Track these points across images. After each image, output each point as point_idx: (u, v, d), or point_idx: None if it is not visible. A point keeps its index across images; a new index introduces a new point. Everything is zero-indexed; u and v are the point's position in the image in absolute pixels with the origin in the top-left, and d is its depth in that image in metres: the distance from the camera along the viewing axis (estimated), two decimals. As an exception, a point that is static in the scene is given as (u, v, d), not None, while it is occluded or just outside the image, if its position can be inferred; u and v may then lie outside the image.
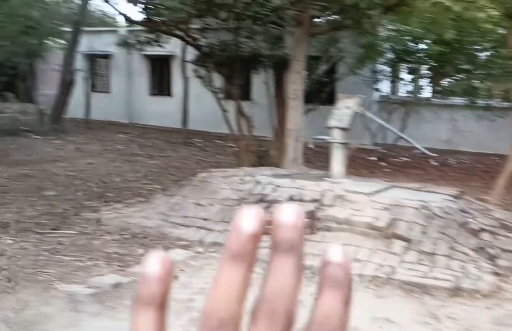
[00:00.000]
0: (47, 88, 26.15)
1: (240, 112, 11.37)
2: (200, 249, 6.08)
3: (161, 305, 0.31)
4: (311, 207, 6.47)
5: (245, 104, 11.91)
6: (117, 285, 4.86)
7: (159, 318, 0.31)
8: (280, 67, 11.96)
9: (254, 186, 7.30)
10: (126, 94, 22.83)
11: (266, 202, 6.58)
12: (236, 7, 8.87)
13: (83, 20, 20.07)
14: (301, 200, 6.61)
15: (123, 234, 6.57)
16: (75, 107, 21.74)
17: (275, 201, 6.54)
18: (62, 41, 21.40)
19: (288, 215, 0.31)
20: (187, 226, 6.68)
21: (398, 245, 5.95)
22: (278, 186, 7.04)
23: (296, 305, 0.31)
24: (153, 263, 0.31)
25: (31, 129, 17.07)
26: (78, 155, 13.17)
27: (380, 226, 6.14)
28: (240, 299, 0.31)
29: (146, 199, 8.36)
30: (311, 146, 10.16)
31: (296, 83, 9.34)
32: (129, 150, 14.70)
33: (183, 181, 9.36)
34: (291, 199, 6.62)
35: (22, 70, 22.11)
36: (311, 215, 6.36)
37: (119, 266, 5.48)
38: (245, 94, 15.57)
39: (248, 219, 0.31)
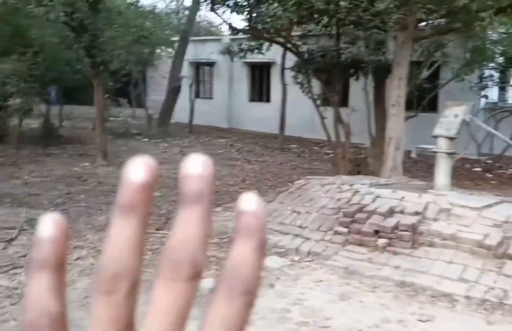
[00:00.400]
0: (156, 94, 27.58)
1: (337, 119, 11.07)
2: (296, 258, 5.92)
3: (57, 267, 0.29)
4: (413, 219, 6.05)
5: (343, 111, 11.57)
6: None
7: (55, 280, 0.29)
8: (381, 73, 11.48)
9: (352, 195, 7.00)
10: (227, 100, 23.32)
11: (366, 213, 6.25)
12: (338, 12, 8.61)
13: (191, 29, 20.86)
14: (402, 212, 6.21)
15: (221, 238, 6.59)
16: (180, 112, 22.66)
17: (375, 212, 6.21)
18: (171, 50, 22.43)
19: (194, 166, 0.31)
20: (284, 233, 6.55)
21: (511, 266, 5.36)
22: (378, 196, 6.68)
23: (203, 254, 0.30)
24: (47, 225, 0.29)
25: (140, 132, 18.02)
26: (181, 158, 13.25)
27: (490, 244, 5.58)
28: (134, 252, 0.30)
29: (244, 204, 8.37)
30: (413, 155, 9.59)
31: (397, 89, 8.87)
32: (228, 155, 14.95)
33: (279, 186, 9.28)
34: (391, 210, 6.24)
35: (134, 77, 23.44)
36: (412, 228, 5.94)
37: (217, 270, 5.48)
38: (343, 101, 15.20)
39: (138, 168, 0.30)
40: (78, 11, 10.43)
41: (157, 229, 6.74)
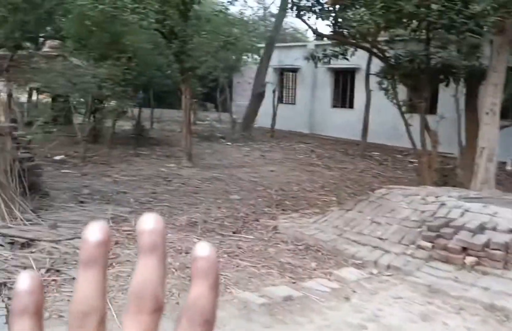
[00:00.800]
0: (241, 99, 27.98)
1: (424, 126, 10.45)
2: (374, 271, 5.58)
3: (35, 313, 0.34)
4: (506, 238, 5.48)
5: (430, 118, 10.92)
6: (288, 298, 4.67)
7: (35, 325, 0.34)
8: (474, 79, 10.69)
9: (438, 207, 6.51)
10: (309, 106, 23.09)
11: (453, 228, 5.77)
12: (429, 16, 8.10)
13: (277, 36, 20.88)
14: (494, 229, 5.65)
15: (297, 245, 6.41)
16: (263, 117, 22.75)
17: (463, 227, 5.71)
18: (257, 57, 22.63)
19: (148, 223, 0.36)
20: (362, 244, 6.23)
21: None
22: (467, 211, 6.14)
23: (162, 293, 0.35)
24: (24, 278, 0.34)
25: (224, 136, 18.31)
26: (262, 162, 13.60)
27: None
28: (97, 294, 0.35)
29: (322, 211, 8.12)
30: (509, 168, 8.80)
31: (492, 96, 8.17)
32: (308, 160, 14.72)
33: (359, 194, 8.91)
34: (482, 226, 5.70)
35: (221, 83, 23.93)
36: (505, 247, 5.38)
37: (291, 277, 5.30)
38: (431, 108, 14.39)
39: (94, 230, 0.35)
40: (169, 18, 10.76)
41: (234, 232, 6.69)
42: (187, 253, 5.57)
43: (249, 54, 22.84)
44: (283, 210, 8.23)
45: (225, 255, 5.66)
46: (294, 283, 5.10)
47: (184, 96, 11.64)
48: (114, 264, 4.86)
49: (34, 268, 4.24)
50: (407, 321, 4.51)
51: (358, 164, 14.55)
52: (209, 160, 13.22)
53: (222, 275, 5.07)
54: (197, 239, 6.20)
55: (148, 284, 0.35)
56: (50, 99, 14.94)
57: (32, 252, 4.71)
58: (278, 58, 20.89)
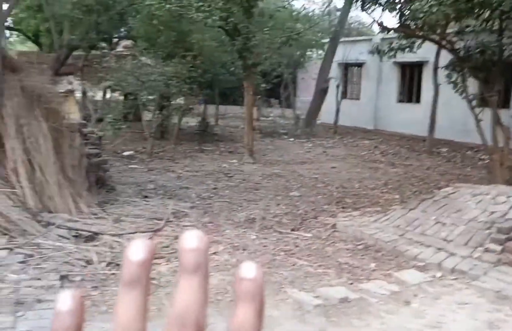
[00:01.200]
0: (305, 95, 27.70)
1: (496, 121, 9.76)
2: (438, 274, 5.25)
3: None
4: None
5: (502, 113, 10.19)
6: (344, 300, 4.48)
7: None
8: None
9: (509, 208, 6.04)
10: (374, 101, 22.44)
11: (524, 231, 5.31)
12: (502, 4, 7.52)
13: (341, 31, 20.44)
14: None
15: (356, 244, 6.18)
16: (326, 113, 22.38)
17: (536, 232, 5.24)
18: (321, 52, 22.29)
19: (191, 241, 0.34)
20: (425, 246, 5.89)
21: None
22: (542, 213, 5.64)
23: (204, 317, 0.34)
24: (65, 298, 0.33)
25: (286, 132, 18.18)
26: (324, 159, 13.34)
27: None
28: (140, 317, 0.34)
29: (383, 209, 7.80)
30: None
31: None
32: (371, 157, 14.27)
33: (424, 193, 8.48)
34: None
35: (285, 78, 23.80)
36: None
37: (349, 278, 5.10)
38: (504, 102, 13.47)
39: (137, 249, 0.34)
40: (233, 15, 10.78)
41: (292, 229, 6.57)
42: (244, 250, 5.52)
43: (313, 50, 22.54)
44: (343, 207, 7.99)
45: (282, 253, 5.55)
46: (351, 284, 4.91)
47: (247, 92, 11.64)
48: (172, 259, 4.90)
49: (96, 261, 4.35)
50: (472, 329, 4.19)
51: (424, 161, 13.91)
52: (271, 156, 13.16)
53: (277, 273, 4.98)
54: (255, 235, 6.15)
55: (190, 308, 0.34)
56: (122, 97, 15.50)
57: (95, 245, 4.85)
58: (343, 53, 20.42)
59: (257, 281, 0.34)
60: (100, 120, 12.00)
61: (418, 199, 7.64)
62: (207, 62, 13.64)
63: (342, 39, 20.95)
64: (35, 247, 4.36)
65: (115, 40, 21.52)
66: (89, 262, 4.29)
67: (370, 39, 21.47)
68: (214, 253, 5.28)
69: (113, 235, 5.20)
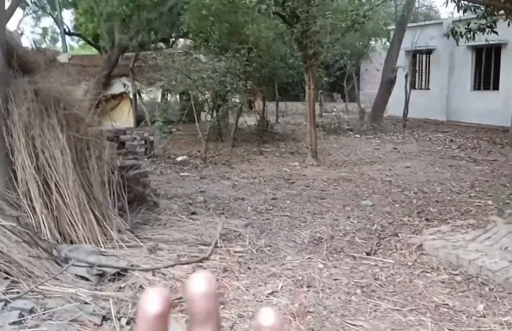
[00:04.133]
0: (370, 87, 25.78)
1: None
2: None
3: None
4: None
5: None
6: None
7: None
8: None
9: None
10: (446, 90, 20.30)
11: None
12: None
13: (409, 16, 18.50)
14: None
15: (453, 274, 4.68)
16: (394, 105, 20.51)
17: None
18: (385, 41, 20.44)
19: (199, 286, 0.32)
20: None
21: None
22: None
23: None
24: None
25: (351, 128, 16.58)
26: (395, 157, 11.69)
27: None
28: None
29: (478, 222, 6.19)
30: None
31: None
32: (448, 153, 12.43)
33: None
34: None
35: (348, 70, 22.13)
36: None
37: (452, 329, 3.66)
38: None
39: (152, 300, 0.32)
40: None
41: (368, 253, 5.16)
42: (309, 286, 4.21)
43: (378, 38, 20.71)
44: (427, 219, 6.45)
45: (358, 291, 4.18)
46: (458, 342, 3.47)
47: (308, 86, 10.25)
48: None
49: (114, 314, 3.21)
50: None
51: (510, 155, 11.93)
52: (335, 156, 11.70)
53: (353, 325, 3.63)
54: (322, 263, 4.82)
55: None
56: (177, 98, 14.65)
57: (120, 288, 3.74)
58: (411, 39, 18.48)
59: (275, 329, 0.32)
60: (153, 123, 11.09)
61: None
62: (265, 55, 12.36)
63: (409, 25, 18.97)
64: (40, 296, 3.31)
65: (172, 39, 20.83)
66: (105, 317, 3.16)
67: (441, 23, 19.37)
68: (271, 295, 4.00)
69: (146, 270, 4.08)
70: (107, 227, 4.40)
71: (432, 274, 4.66)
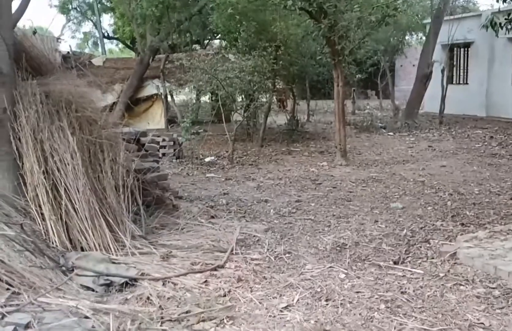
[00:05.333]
0: (405, 83, 24.88)
1: None
2: None
3: None
4: None
5: None
6: None
7: None
8: None
9: None
10: (485, 85, 19.32)
11: None
12: None
13: (445, 8, 17.65)
14: None
15: (490, 287, 4.20)
16: (430, 101, 19.70)
17: None
18: (421, 35, 19.65)
19: None
20: None
21: None
22: None
23: None
24: None
25: (384, 125, 15.95)
26: (430, 156, 11.08)
27: None
28: None
29: (520, 226, 5.64)
30: None
31: None
32: (488, 150, 11.69)
33: None
34: None
35: (382, 66, 21.41)
36: None
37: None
38: None
39: None
40: (317, -7, 8.96)
41: (395, 262, 4.74)
42: (327, 300, 3.86)
43: (413, 33, 19.93)
44: (462, 224, 5.94)
45: (382, 306, 3.79)
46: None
47: (337, 83, 9.81)
48: (225, 320, 3.40)
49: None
50: None
51: None
52: (366, 155, 11.19)
53: (376, 346, 3.25)
54: (344, 273, 4.45)
55: None
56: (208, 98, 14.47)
57: (126, 300, 3.51)
58: (447, 33, 17.63)
59: None
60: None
61: None
62: (294, 53, 11.97)
63: (446, 18, 18.10)
64: (39, 310, 3.11)
65: (206, 41, 20.75)
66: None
67: (480, 15, 18.39)
68: (286, 309, 3.68)
69: (156, 280, 3.83)
70: (119, 233, 4.19)
71: (466, 287, 4.20)
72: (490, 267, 4.53)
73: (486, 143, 12.85)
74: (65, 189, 3.95)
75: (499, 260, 4.65)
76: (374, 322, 3.56)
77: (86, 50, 28.93)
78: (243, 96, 11.61)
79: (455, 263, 4.73)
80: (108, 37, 28.51)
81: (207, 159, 10.20)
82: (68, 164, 3.95)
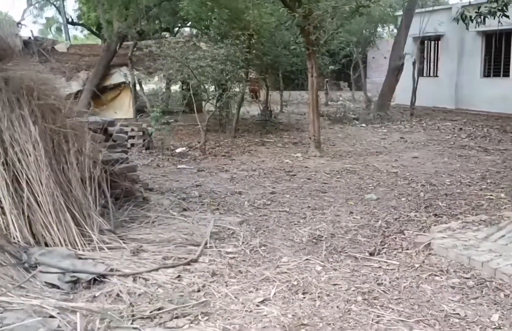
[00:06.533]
0: (377, 75, 25.17)
1: None
2: None
3: None
4: None
5: None
6: None
7: None
8: None
9: None
10: (455, 78, 19.74)
11: None
12: None
13: (416, 1, 17.90)
14: None
15: (464, 277, 4.25)
16: (401, 93, 19.98)
17: None
18: (393, 27, 19.88)
19: None
20: None
21: None
22: None
23: None
24: None
25: (357, 117, 16.08)
26: (402, 147, 11.22)
27: None
28: None
29: (491, 217, 5.74)
30: None
31: None
32: (458, 142, 11.94)
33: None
34: None
35: (354, 58, 21.58)
36: None
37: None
38: None
39: None
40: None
41: (371, 253, 4.74)
42: (304, 293, 3.80)
43: (385, 25, 20.16)
44: (435, 215, 6.01)
45: (359, 298, 3.77)
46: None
47: (311, 74, 9.78)
48: (200, 316, 3.30)
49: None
50: None
51: (527, 145, 11.46)
52: (340, 146, 11.24)
53: (354, 339, 3.22)
54: (321, 265, 4.41)
55: None
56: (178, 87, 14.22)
57: (94, 297, 3.36)
58: (418, 26, 17.91)
59: None
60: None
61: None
62: (267, 42, 11.86)
63: (417, 10, 18.37)
64: (0, 310, 2.94)
65: (177, 28, 20.39)
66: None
67: (450, 8, 18.75)
68: (262, 303, 3.60)
69: (126, 276, 3.69)
70: (86, 227, 4.02)
71: (441, 278, 4.23)
72: (464, 257, 4.58)
73: (455, 135, 13.12)
74: (27, 181, 3.76)
75: (473, 250, 4.71)
76: (351, 314, 3.53)
77: (49, 37, 28.04)
78: (215, 85, 11.44)
79: (429, 254, 4.77)
80: (73, 23, 27.65)
81: (178, 150, 10.02)
82: (30, 155, 3.75)
